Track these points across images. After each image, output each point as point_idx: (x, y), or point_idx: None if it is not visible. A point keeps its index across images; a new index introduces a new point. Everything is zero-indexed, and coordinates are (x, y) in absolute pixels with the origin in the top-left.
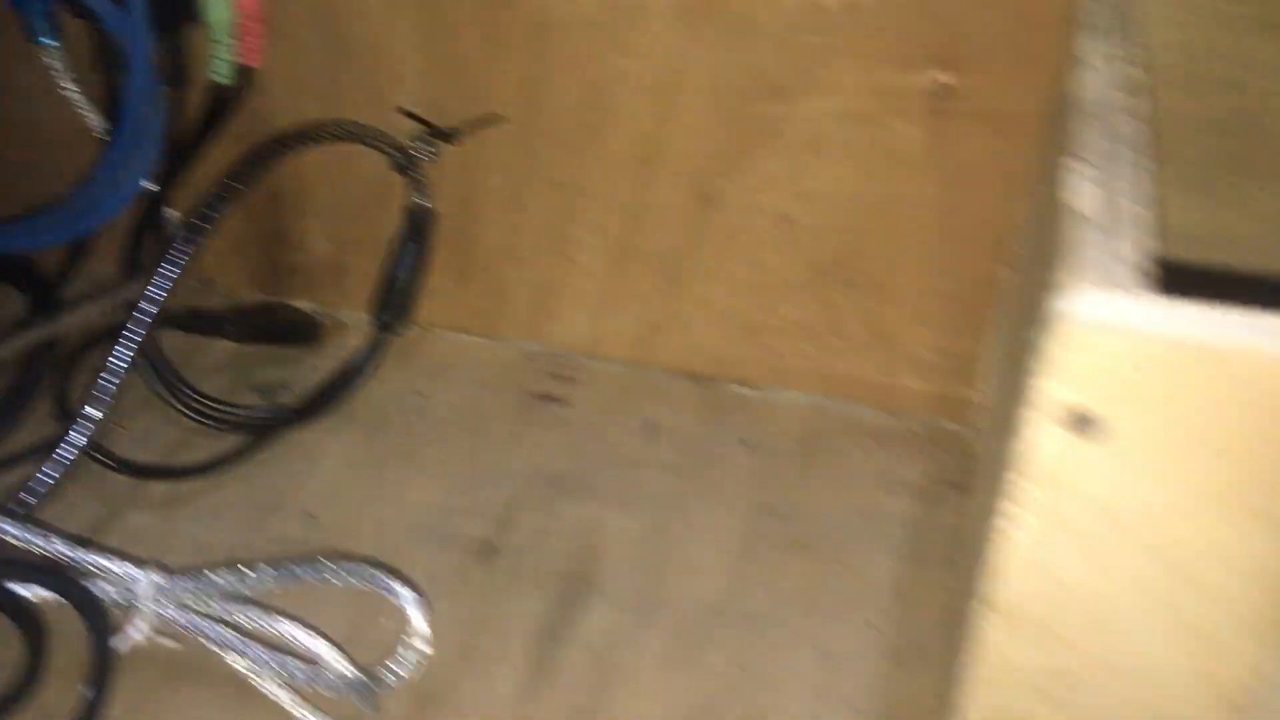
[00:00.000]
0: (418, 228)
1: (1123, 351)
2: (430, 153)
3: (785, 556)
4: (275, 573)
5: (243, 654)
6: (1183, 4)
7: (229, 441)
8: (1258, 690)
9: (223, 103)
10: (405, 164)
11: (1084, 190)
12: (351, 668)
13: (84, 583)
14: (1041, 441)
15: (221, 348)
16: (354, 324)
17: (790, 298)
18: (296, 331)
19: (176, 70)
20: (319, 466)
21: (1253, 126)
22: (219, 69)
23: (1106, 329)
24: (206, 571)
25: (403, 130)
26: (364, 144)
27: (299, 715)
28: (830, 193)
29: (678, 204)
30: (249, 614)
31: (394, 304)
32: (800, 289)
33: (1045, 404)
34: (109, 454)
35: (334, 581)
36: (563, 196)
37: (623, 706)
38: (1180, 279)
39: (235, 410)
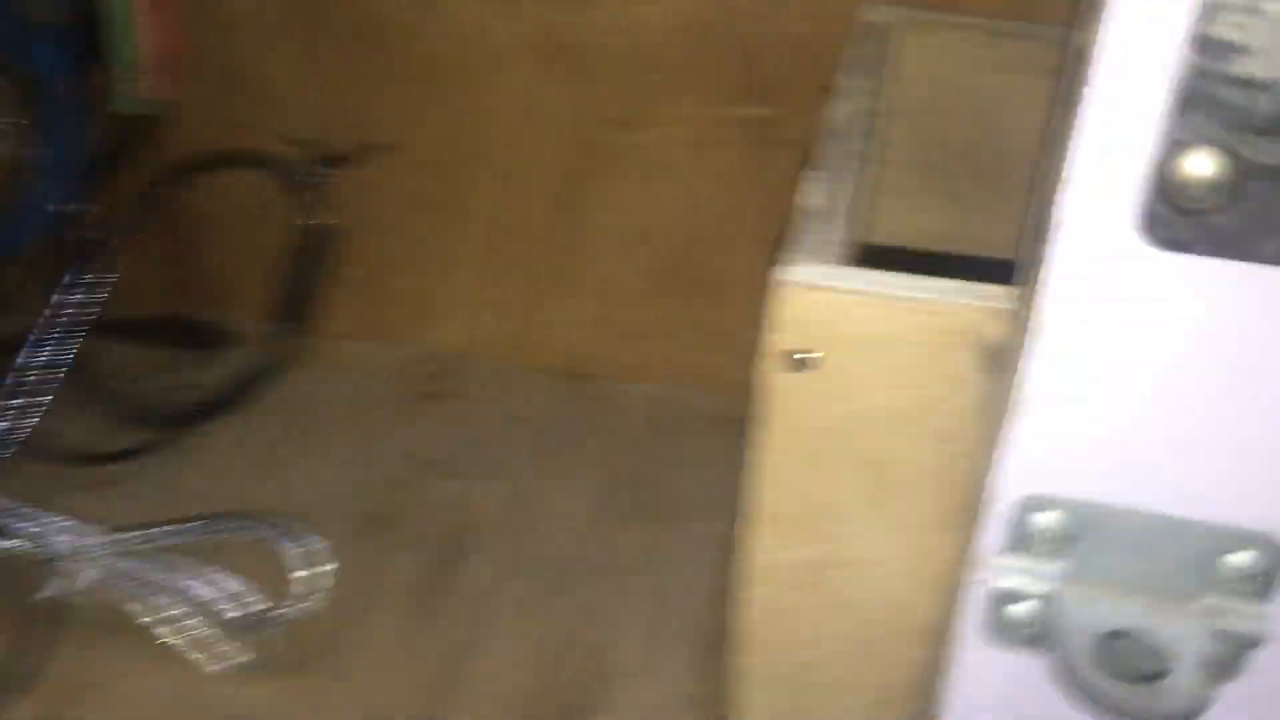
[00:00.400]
0: (313, 244)
1: (823, 305)
2: (324, 176)
3: (631, 520)
4: (189, 528)
5: (158, 599)
6: (938, 48)
7: (146, 434)
8: (954, 573)
9: (136, 132)
10: (302, 186)
11: (810, 191)
12: (255, 607)
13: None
14: (773, 381)
15: (139, 355)
16: (255, 332)
17: (639, 301)
18: (203, 339)
19: (90, 104)
20: (225, 456)
21: (992, 148)
22: (123, 102)
23: (809, 289)
24: (130, 531)
25: (298, 156)
26: (264, 169)
27: (208, 658)
28: (670, 209)
29: (539, 220)
30: (165, 569)
31: (292, 313)
32: (647, 293)
33: (773, 352)
34: (44, 445)
35: (238, 533)
36: (438, 215)
37: (492, 645)
38: (888, 258)
39: (152, 408)
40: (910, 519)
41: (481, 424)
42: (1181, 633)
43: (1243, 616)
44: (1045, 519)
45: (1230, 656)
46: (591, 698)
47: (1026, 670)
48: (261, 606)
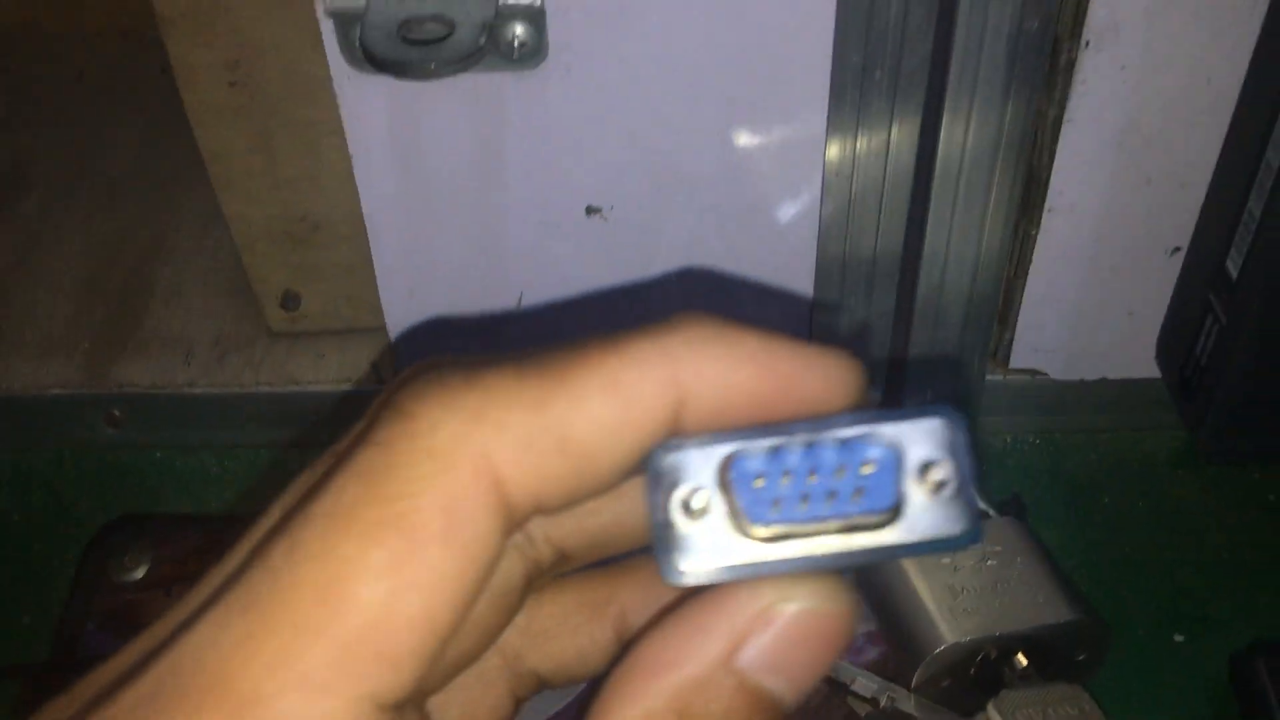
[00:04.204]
0: None
1: None
2: None
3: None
4: None
5: None
6: None
7: None
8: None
9: None
10: None
11: None
12: None
13: None
14: None
15: None
16: None
17: None
18: None
19: None
20: None
21: None
22: None
23: None
24: None
25: None
26: None
27: None
28: None
29: None
30: None
31: None
32: None
33: None
34: None
35: None
36: None
37: (51, 252)
38: None
39: None
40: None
41: (40, 88)
42: (468, 6)
43: None
44: None
45: (510, 28)
46: (150, 275)
47: (395, 96)
48: None
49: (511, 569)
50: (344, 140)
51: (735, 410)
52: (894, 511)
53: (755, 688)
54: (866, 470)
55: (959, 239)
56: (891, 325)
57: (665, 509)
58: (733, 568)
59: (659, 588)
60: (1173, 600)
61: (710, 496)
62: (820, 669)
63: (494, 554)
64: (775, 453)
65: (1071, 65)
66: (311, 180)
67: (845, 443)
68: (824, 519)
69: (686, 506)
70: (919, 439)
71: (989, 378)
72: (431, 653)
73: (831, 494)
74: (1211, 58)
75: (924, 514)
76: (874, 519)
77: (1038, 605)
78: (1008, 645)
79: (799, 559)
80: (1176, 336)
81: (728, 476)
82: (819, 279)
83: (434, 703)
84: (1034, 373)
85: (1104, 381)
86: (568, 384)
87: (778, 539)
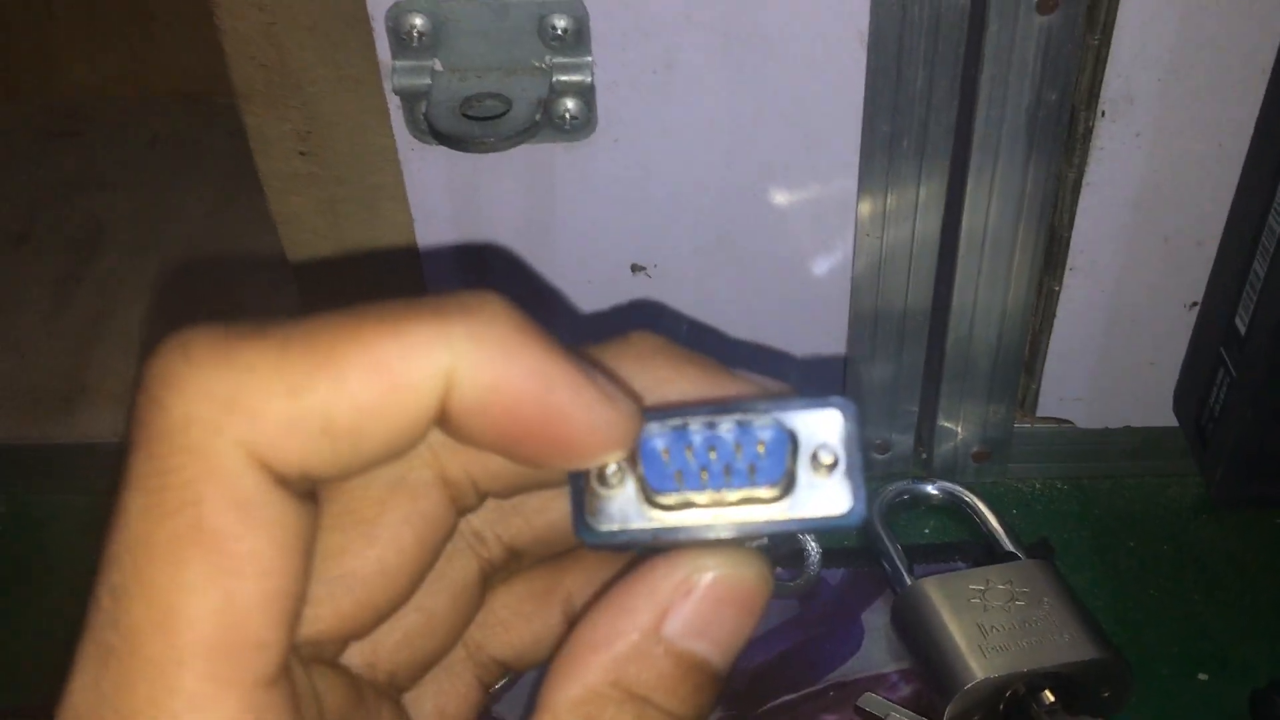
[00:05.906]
0: None
1: None
2: None
3: (250, 211)
4: None
5: None
6: None
7: None
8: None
9: None
10: None
11: None
12: None
13: None
14: None
15: None
16: None
17: None
18: None
19: None
20: None
21: None
22: None
23: None
24: None
25: None
26: None
27: None
28: None
29: None
30: None
31: None
32: None
33: None
34: None
35: None
36: None
37: (129, 311)
38: None
39: None
40: (350, 68)
41: (113, 149)
42: (524, 85)
43: (568, 69)
44: (412, 21)
45: (562, 103)
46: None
47: (454, 164)
48: None
49: (467, 568)
50: (404, 205)
51: (495, 417)
52: (785, 489)
53: (683, 654)
54: (761, 450)
55: (985, 295)
56: (922, 377)
57: (584, 479)
58: (637, 530)
59: (600, 573)
60: (1196, 640)
61: (623, 468)
62: (743, 631)
63: (300, 515)
64: (680, 430)
65: (1089, 133)
66: (373, 241)
67: (742, 424)
68: (720, 491)
69: (602, 477)
70: (813, 425)
71: (1017, 426)
72: (289, 616)
73: (728, 469)
74: (1221, 125)
75: (813, 493)
76: (766, 494)
77: (1065, 644)
78: (1036, 682)
79: (698, 526)
80: (1192, 388)
81: (637, 451)
82: (852, 332)
83: (407, 698)
84: (1060, 421)
85: (1128, 429)
86: (332, 365)
87: (679, 507)
